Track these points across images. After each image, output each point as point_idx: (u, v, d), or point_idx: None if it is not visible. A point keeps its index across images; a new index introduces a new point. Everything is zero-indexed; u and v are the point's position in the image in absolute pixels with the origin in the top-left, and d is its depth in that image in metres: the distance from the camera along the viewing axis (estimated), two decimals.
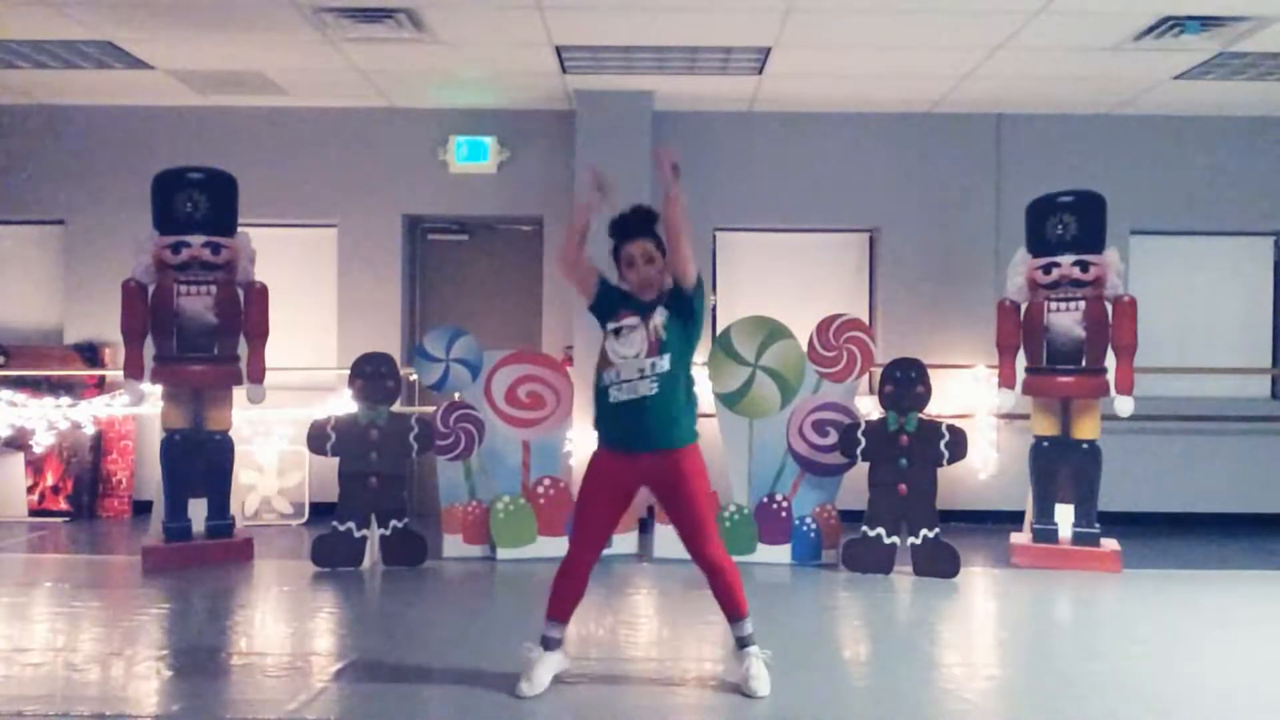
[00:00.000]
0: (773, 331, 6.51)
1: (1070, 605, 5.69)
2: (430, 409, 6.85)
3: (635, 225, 3.87)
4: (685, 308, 3.85)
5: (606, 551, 6.42)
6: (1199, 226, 8.07)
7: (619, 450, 3.88)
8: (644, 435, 3.82)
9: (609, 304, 3.92)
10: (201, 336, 6.32)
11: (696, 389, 3.96)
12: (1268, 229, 8.12)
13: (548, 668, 3.97)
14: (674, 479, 3.88)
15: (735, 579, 3.98)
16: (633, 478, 3.92)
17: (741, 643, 4.02)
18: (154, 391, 6.46)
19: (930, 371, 6.30)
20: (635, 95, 7.51)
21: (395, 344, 7.83)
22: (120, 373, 6.57)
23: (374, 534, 6.25)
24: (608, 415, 3.85)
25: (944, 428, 6.19)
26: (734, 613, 4.00)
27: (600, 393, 3.86)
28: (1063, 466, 6.45)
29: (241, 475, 7.18)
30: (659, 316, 3.82)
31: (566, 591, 4.00)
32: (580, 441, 7.09)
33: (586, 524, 3.94)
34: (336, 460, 6.29)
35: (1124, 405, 6.33)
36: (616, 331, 3.81)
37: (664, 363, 3.78)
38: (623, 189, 7.36)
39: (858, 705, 3.94)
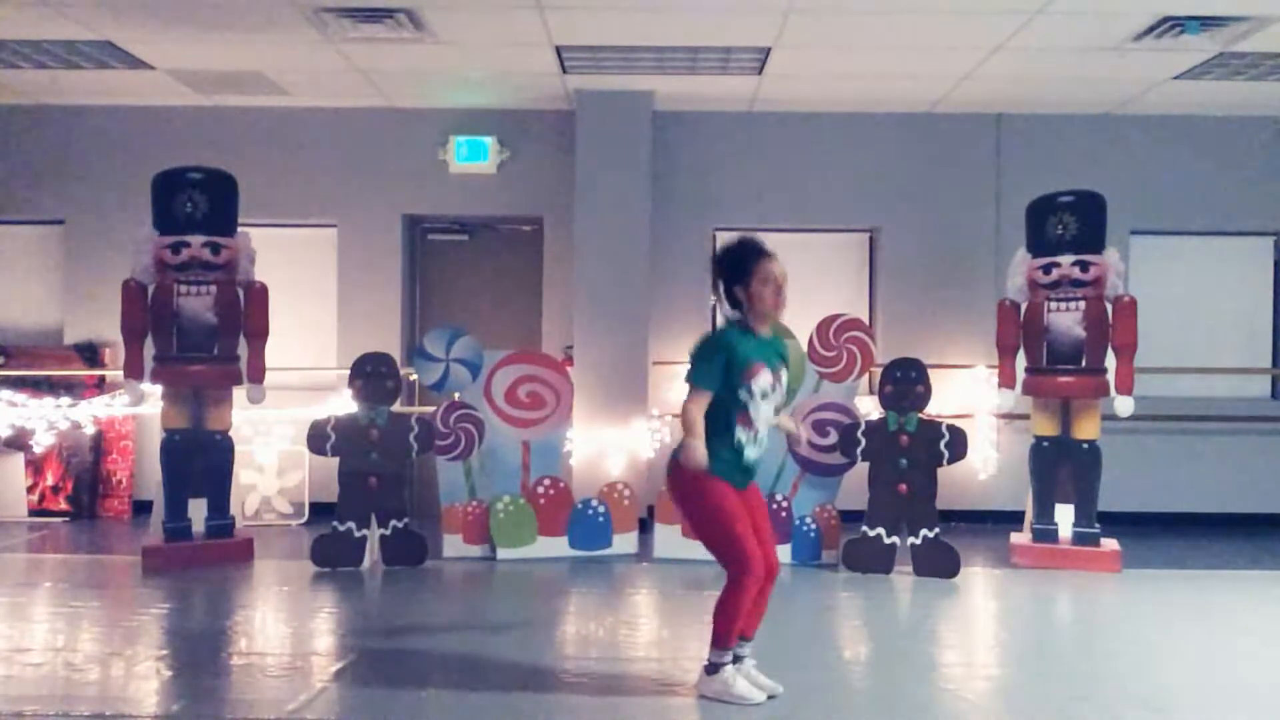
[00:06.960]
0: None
1: (1070, 605, 5.69)
2: (430, 409, 6.85)
3: (764, 248, 3.98)
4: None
5: (606, 551, 6.57)
6: (1199, 226, 8.07)
7: (736, 487, 3.89)
8: (754, 474, 3.97)
9: (741, 346, 3.85)
10: (201, 336, 6.32)
11: None
12: (1268, 229, 8.12)
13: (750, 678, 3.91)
14: (757, 501, 3.99)
15: None
16: None
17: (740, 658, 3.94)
18: (154, 391, 6.46)
19: (930, 371, 6.30)
20: (635, 95, 7.51)
21: (395, 344, 7.82)
22: (120, 373, 6.58)
23: (374, 534, 6.25)
24: (738, 466, 3.85)
25: (944, 428, 6.19)
26: (755, 626, 3.95)
27: (733, 450, 3.80)
28: (1063, 466, 6.45)
29: (241, 475, 7.18)
30: (782, 371, 3.99)
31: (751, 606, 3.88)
32: (580, 442, 7.11)
33: (747, 533, 3.80)
34: (336, 460, 6.30)
35: (1124, 405, 6.33)
36: (764, 395, 3.83)
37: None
38: (623, 189, 7.54)
39: (858, 705, 3.95)
